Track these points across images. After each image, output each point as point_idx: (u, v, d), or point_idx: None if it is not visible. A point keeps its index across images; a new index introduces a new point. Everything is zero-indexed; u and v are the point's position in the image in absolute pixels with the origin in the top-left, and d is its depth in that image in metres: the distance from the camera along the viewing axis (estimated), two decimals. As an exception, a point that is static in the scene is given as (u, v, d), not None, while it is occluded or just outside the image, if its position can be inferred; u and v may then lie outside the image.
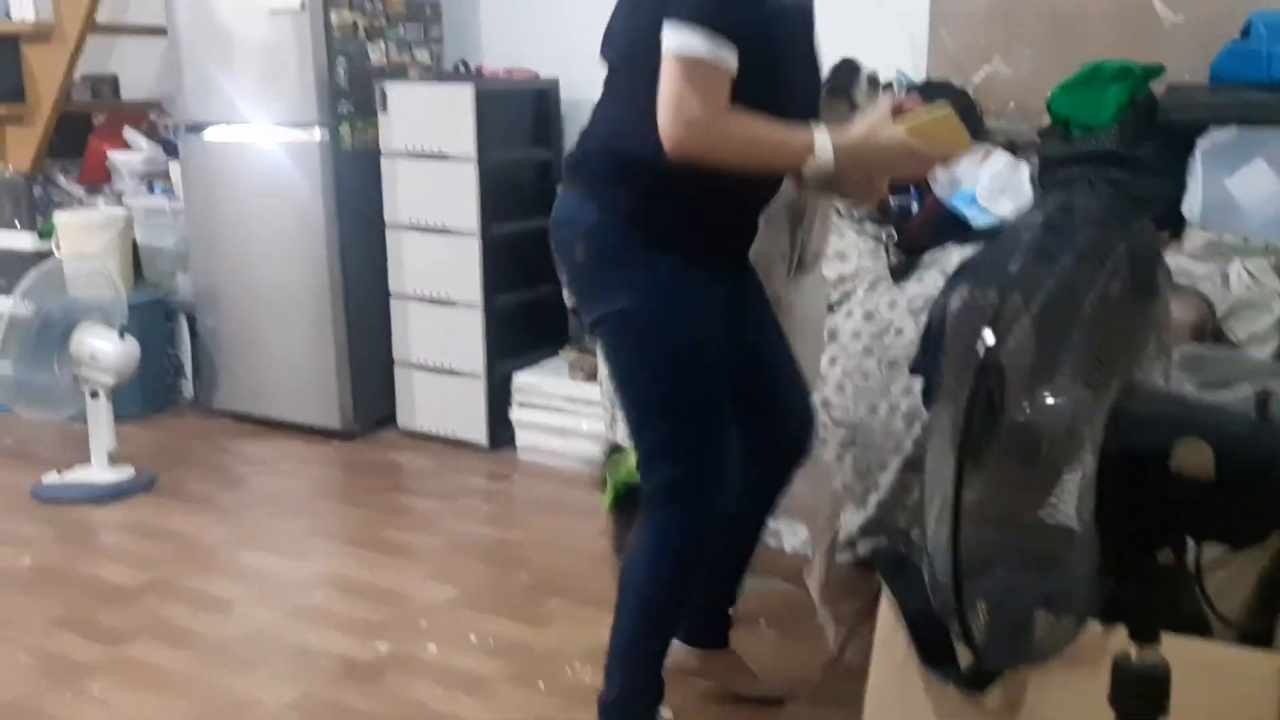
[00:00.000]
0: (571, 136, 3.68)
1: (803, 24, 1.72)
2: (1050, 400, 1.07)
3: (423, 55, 3.71)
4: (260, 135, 3.56)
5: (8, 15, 4.04)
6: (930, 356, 2.32)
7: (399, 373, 3.62)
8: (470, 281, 3.40)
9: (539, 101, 3.63)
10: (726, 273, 1.81)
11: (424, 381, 3.57)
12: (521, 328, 3.55)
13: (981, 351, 0.96)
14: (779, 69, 1.62)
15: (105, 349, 3.09)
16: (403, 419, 3.65)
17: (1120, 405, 1.08)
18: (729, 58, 1.54)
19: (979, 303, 1.00)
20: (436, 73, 3.70)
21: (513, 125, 3.54)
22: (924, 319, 2.47)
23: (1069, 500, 1.09)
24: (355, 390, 3.63)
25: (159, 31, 3.87)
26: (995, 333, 0.99)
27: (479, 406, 3.47)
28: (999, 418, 1.05)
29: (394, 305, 3.58)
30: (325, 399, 3.63)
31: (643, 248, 1.70)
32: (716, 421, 1.78)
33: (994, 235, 2.52)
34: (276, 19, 3.41)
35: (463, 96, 3.31)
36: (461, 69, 3.68)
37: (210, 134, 3.67)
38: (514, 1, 3.78)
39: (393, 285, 3.56)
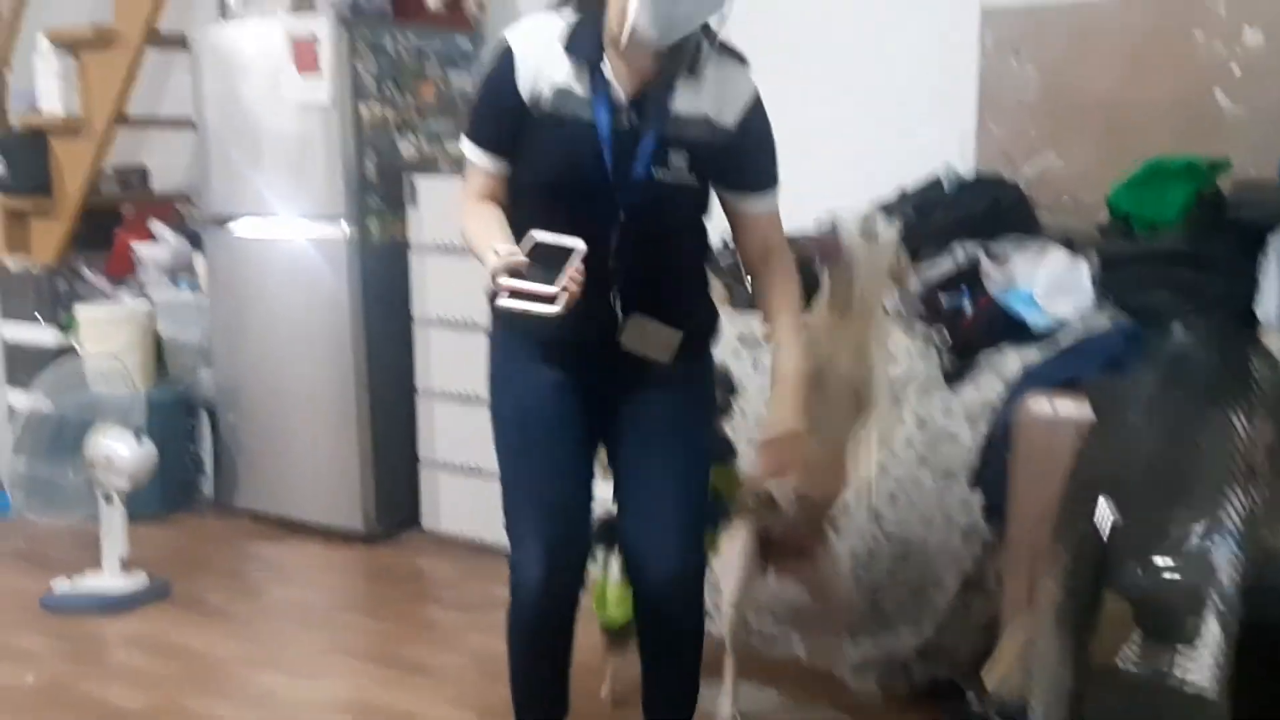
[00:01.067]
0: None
1: (586, 139, 1.72)
2: (1168, 568, 0.92)
3: (454, 148, 3.64)
4: (287, 229, 3.49)
5: (36, 109, 4.02)
6: (993, 471, 2.17)
7: (424, 473, 3.48)
8: (499, 379, 3.27)
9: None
10: (571, 358, 1.81)
11: (450, 482, 3.43)
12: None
13: (1102, 526, 0.82)
14: (543, 172, 1.77)
15: (121, 452, 2.98)
16: (427, 521, 3.50)
17: (1259, 574, 0.93)
18: (484, 159, 1.81)
19: (1094, 461, 0.86)
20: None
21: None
22: (982, 428, 2.32)
23: (1201, 667, 0.94)
24: (379, 491, 3.49)
25: (188, 124, 3.84)
26: (1114, 500, 0.84)
27: (506, 509, 3.32)
28: (1115, 585, 0.90)
29: (420, 402, 3.46)
30: (348, 500, 3.49)
31: (492, 326, 1.92)
32: (521, 506, 1.83)
33: (1051, 337, 2.39)
34: (305, 113, 3.36)
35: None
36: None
37: (236, 227, 3.60)
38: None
39: (419, 382, 3.45)
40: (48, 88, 3.94)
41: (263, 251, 3.58)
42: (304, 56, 3.30)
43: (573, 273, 1.56)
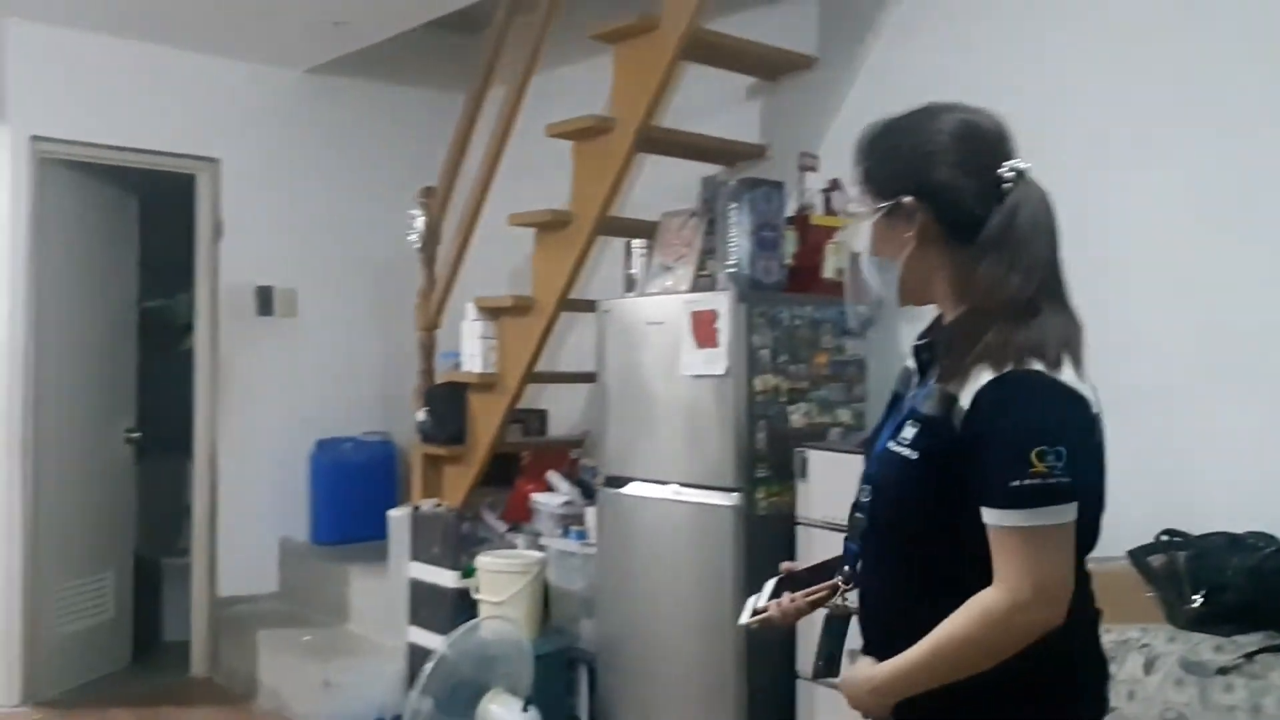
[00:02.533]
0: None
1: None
2: None
3: (844, 415, 3.56)
4: (675, 494, 3.51)
5: (458, 367, 4.42)
6: None
7: (801, 763, 3.25)
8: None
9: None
10: None
11: (829, 779, 3.17)
12: None
13: None
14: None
15: (509, 721, 3.01)
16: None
17: None
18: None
19: None
20: (858, 434, 3.52)
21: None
22: None
23: None
24: (751, 775, 3.29)
25: (587, 378, 4.05)
26: None
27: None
28: None
29: (800, 688, 3.27)
30: (719, 781, 3.32)
31: None
32: None
33: None
34: (701, 384, 3.41)
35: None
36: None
37: (628, 489, 3.68)
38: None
39: (800, 665, 3.27)
40: (471, 348, 4.32)
41: (650, 511, 3.61)
42: (703, 330, 3.38)
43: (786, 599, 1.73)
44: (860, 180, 1.62)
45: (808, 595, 1.72)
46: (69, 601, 4.72)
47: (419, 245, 4.63)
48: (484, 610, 3.76)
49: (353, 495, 5.15)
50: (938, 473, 1.47)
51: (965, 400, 1.44)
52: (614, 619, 3.76)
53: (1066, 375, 1.44)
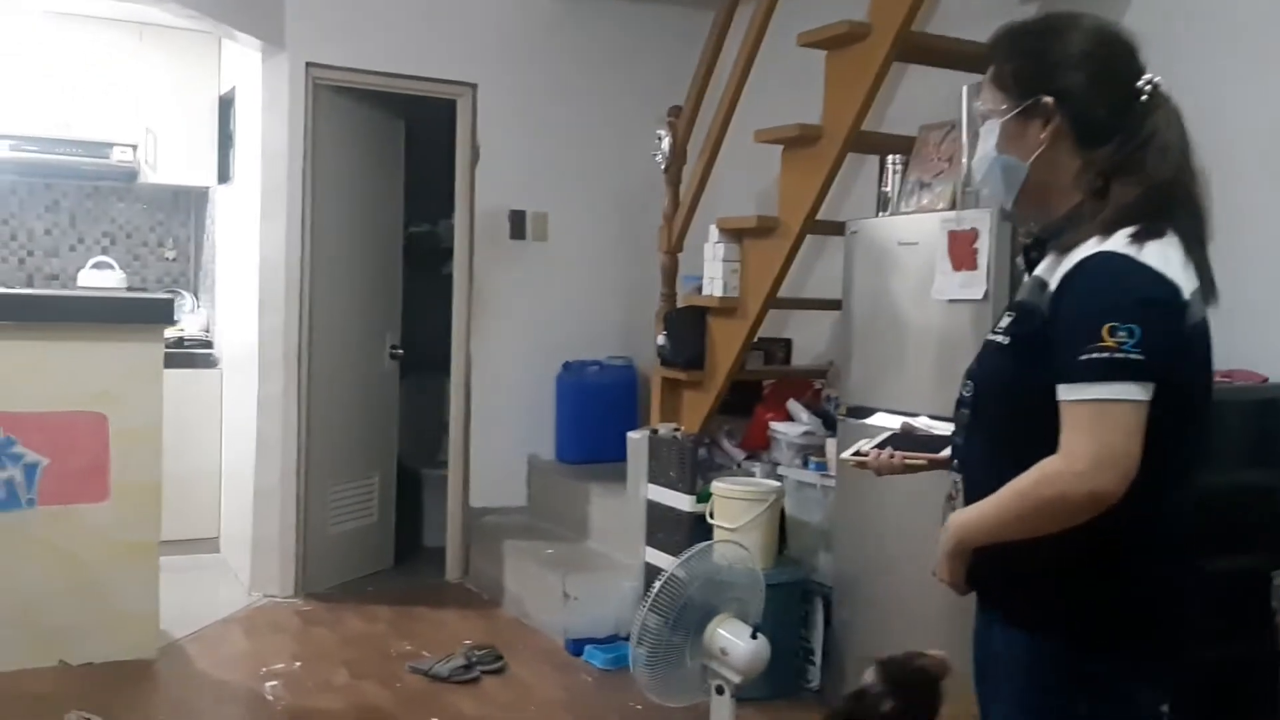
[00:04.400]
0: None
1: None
2: None
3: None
4: (924, 426, 3.31)
5: (699, 290, 4.35)
6: None
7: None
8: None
9: (1265, 412, 2.93)
10: None
11: None
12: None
13: None
14: None
15: (737, 647, 2.94)
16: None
17: None
18: None
19: None
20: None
21: (1225, 442, 2.87)
22: None
23: None
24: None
25: (834, 305, 3.89)
26: None
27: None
28: None
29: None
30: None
31: None
32: None
33: None
34: (956, 309, 3.18)
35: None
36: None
37: (872, 419, 3.50)
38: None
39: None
40: (713, 271, 4.24)
41: (894, 445, 3.43)
42: (961, 251, 3.14)
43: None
44: (995, 77, 1.61)
45: (906, 457, 1.83)
46: (339, 504, 5.06)
47: (664, 166, 4.57)
48: (718, 536, 3.71)
49: (596, 416, 5.22)
50: (1029, 358, 1.48)
51: (1053, 284, 1.47)
52: (852, 553, 3.63)
53: (1155, 259, 1.41)
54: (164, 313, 4.18)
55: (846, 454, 1.93)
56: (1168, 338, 1.40)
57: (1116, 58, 1.55)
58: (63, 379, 3.81)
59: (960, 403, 1.67)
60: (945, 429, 1.85)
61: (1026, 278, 1.61)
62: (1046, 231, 1.59)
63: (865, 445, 1.91)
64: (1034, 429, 1.45)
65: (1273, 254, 3.09)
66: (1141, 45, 1.57)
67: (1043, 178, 1.57)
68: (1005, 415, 1.55)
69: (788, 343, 4.91)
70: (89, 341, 3.86)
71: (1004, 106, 1.58)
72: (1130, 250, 1.42)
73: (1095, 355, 1.37)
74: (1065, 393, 1.41)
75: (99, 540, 3.85)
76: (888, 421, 1.96)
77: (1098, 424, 1.38)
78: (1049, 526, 1.43)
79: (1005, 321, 1.57)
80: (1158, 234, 1.43)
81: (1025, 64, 1.57)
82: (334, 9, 4.83)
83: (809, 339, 4.86)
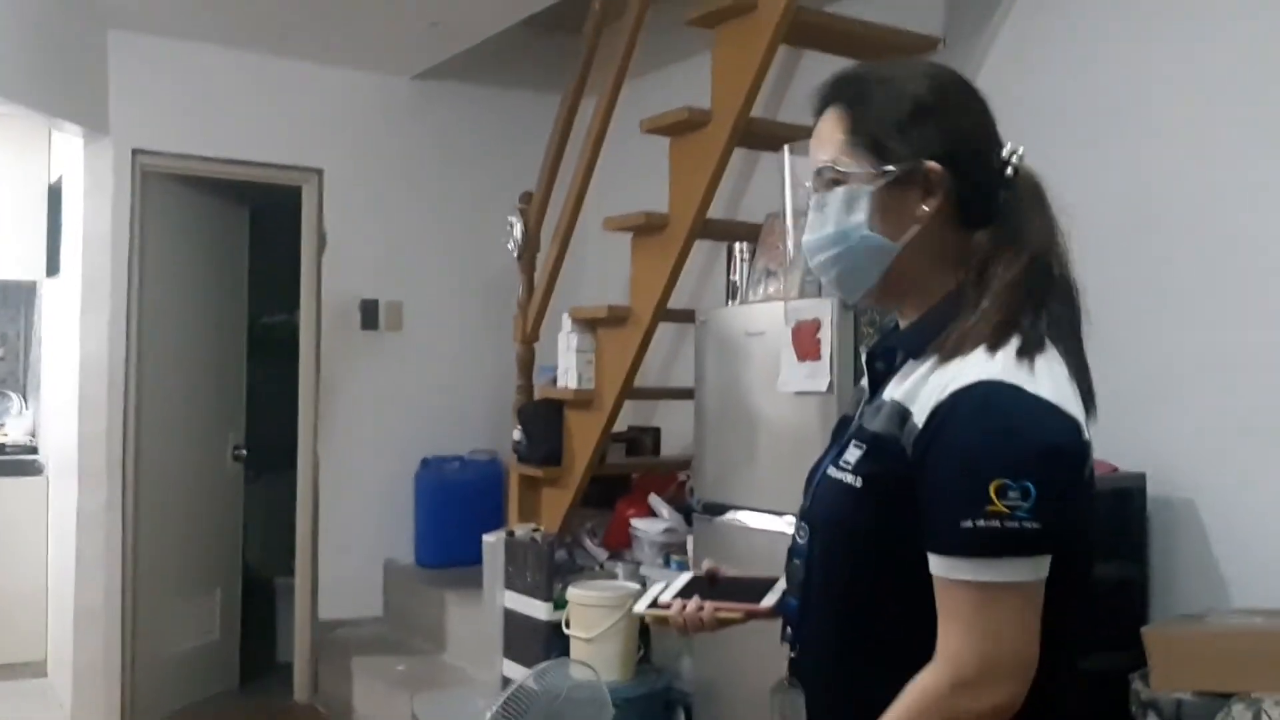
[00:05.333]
0: (1162, 545, 2.86)
1: None
2: None
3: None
4: (774, 524, 3.15)
5: (554, 383, 4.15)
6: None
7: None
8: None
9: (1118, 502, 2.85)
10: None
11: None
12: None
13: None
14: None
15: (580, 777, 2.70)
16: None
17: None
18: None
19: None
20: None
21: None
22: None
23: None
24: None
25: (689, 395, 3.72)
26: None
27: None
28: None
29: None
30: None
31: None
32: None
33: None
34: (801, 400, 3.04)
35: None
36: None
37: (726, 517, 3.33)
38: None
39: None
40: (567, 362, 4.05)
41: (751, 542, 3.25)
42: (805, 342, 3.02)
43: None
44: (851, 132, 1.25)
45: (719, 609, 1.43)
46: (176, 622, 4.67)
47: (517, 253, 4.40)
48: (574, 647, 3.47)
49: (459, 515, 4.94)
50: (885, 506, 1.18)
51: (920, 416, 1.16)
52: (714, 659, 3.41)
53: (1047, 385, 1.14)
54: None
55: (640, 606, 1.52)
56: (1067, 495, 1.13)
57: (991, 118, 1.28)
58: None
59: (793, 551, 1.36)
60: (767, 570, 1.50)
61: (867, 393, 1.32)
62: (897, 336, 1.32)
63: (664, 594, 1.50)
64: (893, 597, 1.19)
65: (1120, 337, 3.03)
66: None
67: (917, 264, 1.25)
68: (853, 578, 1.24)
69: (656, 431, 4.74)
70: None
71: (869, 170, 1.23)
72: (1020, 378, 1.13)
73: (980, 524, 1.09)
74: (940, 567, 1.13)
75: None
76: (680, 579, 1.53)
77: (985, 615, 1.10)
78: None
79: (853, 455, 1.23)
80: (1039, 345, 1.17)
81: (901, 116, 1.23)
82: (165, 93, 4.57)
83: (679, 426, 4.68)
